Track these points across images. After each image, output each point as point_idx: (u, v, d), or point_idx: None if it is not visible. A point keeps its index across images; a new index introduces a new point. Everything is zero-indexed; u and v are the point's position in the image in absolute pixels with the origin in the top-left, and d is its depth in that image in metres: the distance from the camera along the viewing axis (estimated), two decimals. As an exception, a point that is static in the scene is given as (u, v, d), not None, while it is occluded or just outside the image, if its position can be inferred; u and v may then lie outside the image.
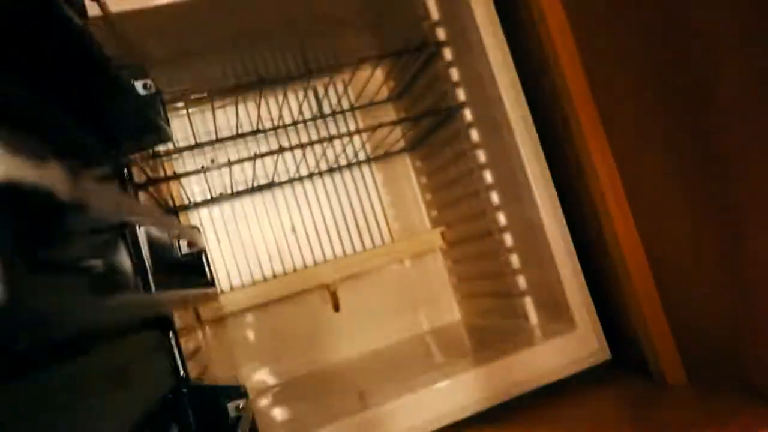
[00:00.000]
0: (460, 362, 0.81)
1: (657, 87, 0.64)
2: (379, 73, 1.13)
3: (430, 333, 1.15)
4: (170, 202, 0.99)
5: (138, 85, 0.54)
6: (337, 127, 1.16)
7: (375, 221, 1.18)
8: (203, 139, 1.03)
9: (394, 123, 0.91)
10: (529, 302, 0.90)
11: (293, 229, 1.13)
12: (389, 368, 0.98)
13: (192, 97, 0.81)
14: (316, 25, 0.94)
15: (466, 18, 0.83)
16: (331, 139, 0.89)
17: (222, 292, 1.06)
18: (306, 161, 1.12)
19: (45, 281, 0.23)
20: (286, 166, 1.11)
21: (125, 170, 0.62)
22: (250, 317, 1.09)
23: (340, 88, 1.16)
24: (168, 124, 0.56)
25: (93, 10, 0.59)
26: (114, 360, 0.44)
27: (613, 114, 0.73)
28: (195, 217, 1.09)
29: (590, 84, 0.75)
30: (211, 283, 0.58)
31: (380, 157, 1.19)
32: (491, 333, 0.98)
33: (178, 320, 0.67)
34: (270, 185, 1.12)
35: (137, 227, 0.46)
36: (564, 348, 0.79)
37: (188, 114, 1.00)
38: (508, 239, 0.91)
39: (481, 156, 0.91)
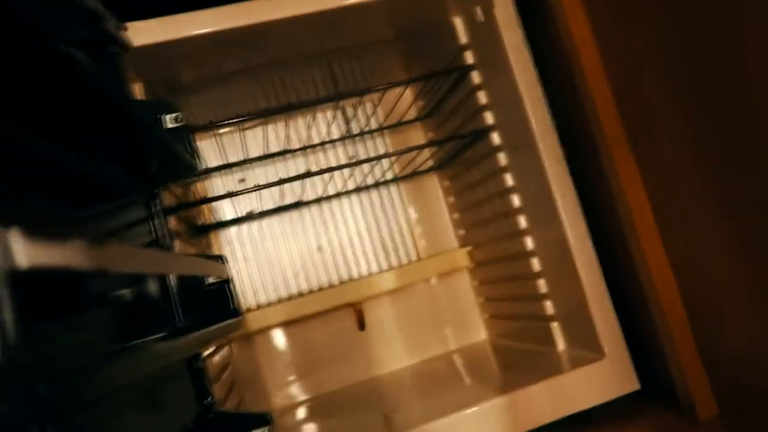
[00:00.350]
0: (487, 387, 0.80)
1: (692, 108, 0.63)
2: (408, 94, 1.14)
3: (456, 352, 1.14)
4: (199, 221, 1.00)
5: (167, 119, 0.55)
6: (365, 146, 1.17)
7: (402, 240, 1.18)
8: (232, 158, 1.05)
9: (422, 146, 0.90)
10: (556, 327, 0.89)
11: (320, 248, 1.14)
12: (415, 388, 0.97)
13: (222, 123, 0.82)
14: (348, 51, 0.95)
15: (495, 43, 0.83)
16: (359, 163, 0.89)
17: (249, 309, 1.07)
18: (334, 181, 1.13)
19: (69, 339, 0.24)
20: (313, 185, 1.12)
21: (155, 197, 0.63)
22: (276, 335, 1.10)
23: (369, 108, 1.17)
24: (196, 157, 0.57)
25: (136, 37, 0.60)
26: (141, 387, 0.45)
27: (645, 141, 0.72)
28: (223, 236, 1.10)
29: (621, 115, 0.74)
30: (236, 313, 0.59)
31: (408, 176, 1.19)
32: (518, 354, 0.97)
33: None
34: (297, 204, 1.13)
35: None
36: (592, 377, 0.77)
37: (216, 137, 1.02)
38: (535, 263, 0.90)
39: (509, 179, 0.90)
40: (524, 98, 0.81)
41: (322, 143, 1.12)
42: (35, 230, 0.20)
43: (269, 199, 1.11)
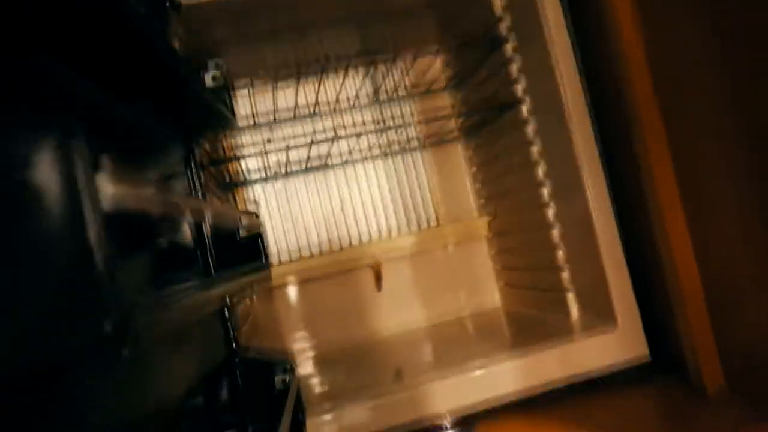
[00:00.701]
0: (498, 350, 0.82)
1: (730, 100, 0.63)
2: (439, 62, 1.14)
3: (469, 317, 1.17)
4: (227, 178, 1.03)
5: (207, 77, 0.57)
6: (391, 111, 1.18)
7: (423, 205, 1.20)
8: (263, 117, 1.06)
9: (450, 116, 0.91)
10: (571, 298, 0.91)
11: (341, 208, 1.16)
12: (427, 349, 1.01)
13: (256, 79, 0.83)
14: (380, 16, 0.95)
15: (533, 16, 0.83)
16: (387, 128, 0.90)
17: (271, 265, 1.10)
18: (360, 144, 1.14)
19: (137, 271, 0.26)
20: (339, 149, 1.13)
21: (192, 153, 0.65)
22: (295, 290, 1.13)
23: (398, 74, 1.17)
24: (233, 114, 0.59)
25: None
26: (179, 327, 0.48)
27: (679, 126, 0.72)
28: (250, 192, 1.13)
29: (658, 97, 0.74)
30: (266, 266, 0.61)
31: (433, 143, 1.20)
32: (531, 323, 1.00)
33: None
34: (323, 167, 1.14)
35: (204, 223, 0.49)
36: (603, 347, 0.79)
37: (250, 95, 1.03)
38: (555, 234, 0.91)
39: (535, 151, 0.91)
40: (559, 71, 0.81)
41: (352, 107, 1.13)
42: (118, 175, 0.22)
43: (296, 161, 1.13)
